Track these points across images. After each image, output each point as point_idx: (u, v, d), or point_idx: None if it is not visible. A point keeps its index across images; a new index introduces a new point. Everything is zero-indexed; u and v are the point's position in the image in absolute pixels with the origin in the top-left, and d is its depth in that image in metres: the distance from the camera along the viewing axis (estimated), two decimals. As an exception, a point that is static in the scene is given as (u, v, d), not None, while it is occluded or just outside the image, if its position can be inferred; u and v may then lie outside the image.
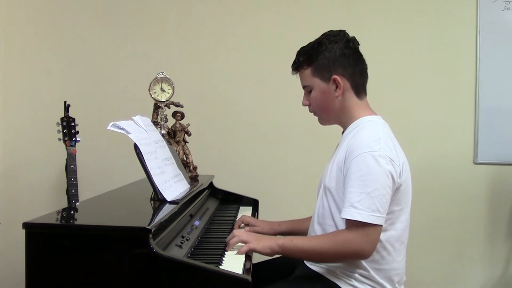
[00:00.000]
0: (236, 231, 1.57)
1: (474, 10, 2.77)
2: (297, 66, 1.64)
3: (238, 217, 1.98)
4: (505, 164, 2.79)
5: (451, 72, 2.81)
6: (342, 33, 1.62)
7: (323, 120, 1.69)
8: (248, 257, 1.51)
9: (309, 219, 1.85)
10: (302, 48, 1.65)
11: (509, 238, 2.80)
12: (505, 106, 2.77)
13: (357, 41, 1.64)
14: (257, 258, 1.78)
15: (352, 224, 1.44)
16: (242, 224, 1.92)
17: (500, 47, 2.77)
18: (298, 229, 1.88)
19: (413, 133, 2.77)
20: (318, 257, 1.53)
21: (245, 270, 1.39)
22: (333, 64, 1.58)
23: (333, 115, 1.64)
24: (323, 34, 1.63)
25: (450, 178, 2.80)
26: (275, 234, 1.85)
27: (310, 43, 1.64)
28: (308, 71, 1.61)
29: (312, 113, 1.69)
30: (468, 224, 2.81)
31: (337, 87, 1.58)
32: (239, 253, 1.49)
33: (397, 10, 2.81)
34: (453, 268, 2.83)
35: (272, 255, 1.52)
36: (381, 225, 1.45)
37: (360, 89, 1.62)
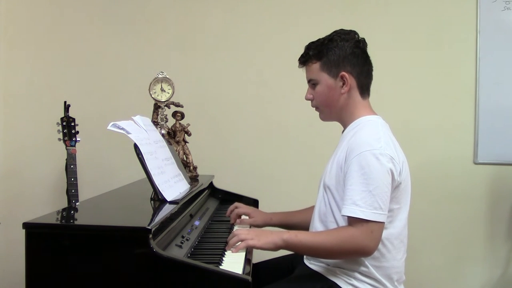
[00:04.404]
0: (236, 230, 1.57)
1: (474, 10, 2.77)
2: (305, 60, 1.65)
3: (235, 213, 1.99)
4: (505, 164, 2.79)
5: (451, 72, 2.81)
6: (353, 33, 1.64)
7: (325, 116, 1.69)
8: (248, 257, 1.51)
9: (300, 211, 1.90)
10: (312, 42, 1.66)
11: (509, 238, 2.80)
12: (505, 106, 2.76)
13: (366, 43, 1.65)
14: (257, 258, 1.79)
15: (355, 222, 1.45)
16: (238, 220, 1.94)
17: (500, 47, 2.76)
18: (290, 222, 1.90)
19: (413, 133, 2.77)
20: (323, 253, 1.53)
21: (245, 270, 1.40)
22: (342, 61, 1.59)
23: (335, 111, 1.65)
24: (334, 32, 1.64)
25: (450, 178, 2.80)
26: (266, 226, 1.89)
27: (320, 39, 1.65)
28: (316, 65, 1.62)
29: (314, 108, 1.70)
30: (468, 224, 2.81)
31: (344, 83, 1.60)
32: (236, 249, 1.50)
33: (397, 10, 2.81)
34: (453, 268, 2.82)
35: (276, 250, 1.52)
36: (383, 222, 1.46)
37: (364, 89, 1.64)
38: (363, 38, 1.65)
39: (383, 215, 1.45)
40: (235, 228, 1.89)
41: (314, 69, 1.63)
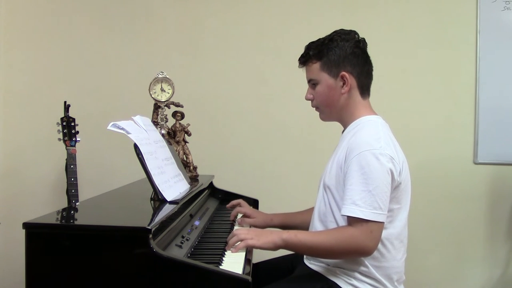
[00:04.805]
0: (235, 230, 1.58)
1: (474, 10, 2.77)
2: (305, 60, 1.65)
3: (236, 210, 2.00)
4: (505, 164, 2.79)
5: (451, 72, 2.81)
6: (353, 33, 1.64)
7: (325, 116, 1.69)
8: (248, 257, 1.51)
9: (301, 212, 1.90)
10: (312, 42, 1.66)
11: (509, 238, 2.80)
12: (505, 106, 2.76)
13: (366, 43, 1.66)
14: (257, 258, 1.79)
15: (355, 221, 1.45)
16: (239, 216, 1.95)
17: (500, 47, 2.76)
18: (290, 223, 1.90)
19: (413, 133, 2.77)
20: (322, 253, 1.54)
21: (245, 270, 1.40)
22: (342, 61, 1.59)
23: (335, 111, 1.65)
24: (334, 32, 1.64)
25: (450, 178, 2.80)
26: (267, 227, 1.89)
27: (320, 38, 1.65)
28: (316, 65, 1.62)
29: (314, 108, 1.70)
30: (468, 224, 2.81)
31: (344, 83, 1.60)
32: (236, 249, 1.50)
33: (397, 10, 2.81)
34: (453, 268, 2.82)
35: (276, 250, 1.52)
36: (383, 222, 1.46)
37: (364, 89, 1.64)
38: (363, 38, 1.65)
39: (382, 215, 1.45)
40: (235, 227, 1.89)
41: (314, 69, 1.63)
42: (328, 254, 1.53)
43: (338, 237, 1.47)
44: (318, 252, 1.54)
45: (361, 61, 1.62)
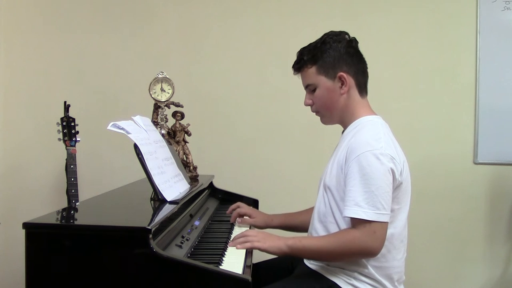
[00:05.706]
0: (245, 231, 1.59)
1: (474, 10, 2.77)
2: (300, 66, 1.65)
3: (236, 212, 1.99)
4: (505, 164, 2.79)
5: (451, 72, 2.81)
6: (343, 33, 1.64)
7: (326, 119, 1.69)
8: (249, 254, 1.52)
9: (301, 213, 1.90)
10: (304, 48, 1.65)
11: (509, 238, 2.80)
12: (505, 106, 2.77)
13: (357, 42, 1.66)
14: (257, 258, 1.79)
15: (358, 223, 1.45)
16: (239, 219, 1.95)
17: (500, 47, 2.76)
18: (291, 223, 1.90)
19: (413, 133, 2.78)
20: (327, 257, 1.54)
21: (245, 270, 1.40)
22: (338, 62, 1.59)
23: (336, 113, 1.65)
24: (325, 34, 1.64)
25: (450, 178, 2.80)
26: (267, 227, 1.90)
27: (312, 42, 1.65)
28: (312, 70, 1.62)
29: (315, 113, 1.70)
30: (468, 224, 2.81)
31: (342, 84, 1.60)
32: (242, 247, 1.51)
33: (397, 10, 2.81)
34: (453, 268, 2.83)
35: (280, 255, 1.53)
36: (387, 222, 1.46)
37: (362, 87, 1.64)
38: (354, 38, 1.65)
39: (385, 215, 1.45)
40: (235, 228, 1.90)
41: (310, 73, 1.63)
42: (333, 257, 1.53)
43: (342, 240, 1.47)
44: (323, 256, 1.54)
45: (355, 59, 1.62)
